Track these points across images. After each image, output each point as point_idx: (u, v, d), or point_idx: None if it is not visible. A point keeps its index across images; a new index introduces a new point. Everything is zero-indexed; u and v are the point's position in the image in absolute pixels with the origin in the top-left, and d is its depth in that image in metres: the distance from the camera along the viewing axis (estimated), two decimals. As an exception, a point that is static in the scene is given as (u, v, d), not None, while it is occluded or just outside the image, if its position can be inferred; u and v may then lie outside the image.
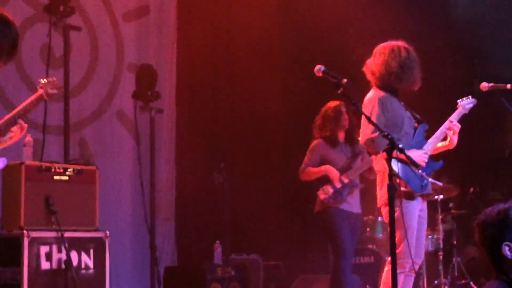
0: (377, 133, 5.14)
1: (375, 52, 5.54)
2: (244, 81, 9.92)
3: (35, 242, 6.01)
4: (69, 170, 6.45)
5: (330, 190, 6.81)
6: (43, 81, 5.09)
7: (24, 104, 4.85)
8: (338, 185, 6.80)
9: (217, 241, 8.55)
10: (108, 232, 6.54)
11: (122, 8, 9.20)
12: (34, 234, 6.01)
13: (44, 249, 6.05)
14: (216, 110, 9.99)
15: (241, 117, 9.81)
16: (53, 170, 6.33)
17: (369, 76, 5.56)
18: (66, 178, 6.39)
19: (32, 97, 4.93)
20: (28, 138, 6.55)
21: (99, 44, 8.90)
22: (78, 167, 6.57)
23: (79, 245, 6.31)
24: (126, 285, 8.39)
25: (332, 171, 6.84)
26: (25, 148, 6.47)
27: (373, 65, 5.49)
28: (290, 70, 10.06)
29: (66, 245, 6.12)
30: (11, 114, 4.63)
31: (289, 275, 8.78)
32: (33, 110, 5.02)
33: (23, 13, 8.13)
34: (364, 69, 5.57)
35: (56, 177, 6.33)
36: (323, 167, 6.89)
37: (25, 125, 4.82)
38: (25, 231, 5.95)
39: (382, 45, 5.55)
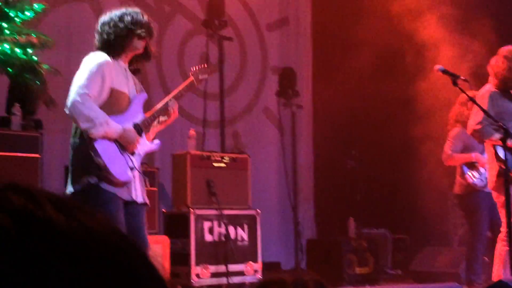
0: (481, 125, 5.16)
1: (500, 53, 5.45)
2: (371, 78, 9.78)
3: (200, 218, 6.17)
4: (225, 158, 6.59)
5: (477, 175, 6.51)
6: (194, 68, 4.61)
7: (176, 90, 4.42)
8: (484, 171, 6.49)
9: (351, 218, 8.53)
10: (259, 210, 6.63)
11: (266, 19, 9.29)
12: (199, 211, 6.18)
13: (207, 224, 6.21)
14: (347, 105, 9.93)
15: (370, 110, 9.69)
16: (212, 158, 6.48)
17: (491, 74, 5.47)
18: (223, 165, 6.53)
19: (183, 84, 4.47)
20: (192, 132, 6.75)
21: (247, 51, 9.04)
22: (233, 155, 6.70)
23: (235, 221, 6.42)
24: (274, 255, 8.49)
25: (482, 159, 6.38)
26: (189, 140, 6.66)
27: (496, 67, 5.41)
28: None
29: (225, 221, 6.27)
30: (165, 99, 4.31)
31: (414, 247, 8.64)
32: (184, 95, 4.53)
33: (185, 27, 8.41)
34: (488, 67, 5.49)
35: (215, 164, 6.47)
36: (474, 155, 6.56)
37: (176, 108, 4.35)
38: (191, 209, 6.12)
39: (508, 48, 5.43)
